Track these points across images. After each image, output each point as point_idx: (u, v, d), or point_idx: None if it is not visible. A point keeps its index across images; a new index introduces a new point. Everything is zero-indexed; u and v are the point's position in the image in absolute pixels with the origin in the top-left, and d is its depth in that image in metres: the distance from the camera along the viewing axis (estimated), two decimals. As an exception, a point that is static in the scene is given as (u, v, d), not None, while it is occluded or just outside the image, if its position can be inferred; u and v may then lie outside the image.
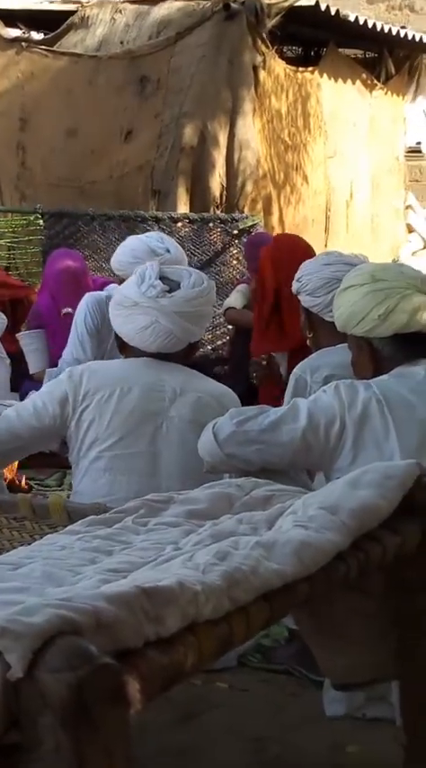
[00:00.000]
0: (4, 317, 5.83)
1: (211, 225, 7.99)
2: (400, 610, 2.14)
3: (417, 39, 11.56)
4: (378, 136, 11.80)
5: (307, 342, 3.78)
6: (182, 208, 8.99)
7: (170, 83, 9.40)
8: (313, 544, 1.83)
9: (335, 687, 2.46)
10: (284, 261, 5.07)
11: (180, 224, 8.05)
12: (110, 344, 4.82)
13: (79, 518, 2.28)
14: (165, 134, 9.35)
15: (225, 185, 9.22)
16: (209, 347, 7.64)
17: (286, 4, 9.36)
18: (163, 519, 2.17)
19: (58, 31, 10.23)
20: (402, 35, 11.30)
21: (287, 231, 9.51)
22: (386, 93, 11.83)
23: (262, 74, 9.43)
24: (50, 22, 10.38)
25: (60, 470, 5.20)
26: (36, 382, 5.52)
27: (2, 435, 3.15)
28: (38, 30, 10.90)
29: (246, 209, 8.98)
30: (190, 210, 8.87)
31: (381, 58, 11.79)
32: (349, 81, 11.12)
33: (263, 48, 9.35)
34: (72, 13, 10.31)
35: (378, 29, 10.68)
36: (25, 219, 8.50)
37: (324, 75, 10.65)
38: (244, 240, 7.59)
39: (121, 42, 9.88)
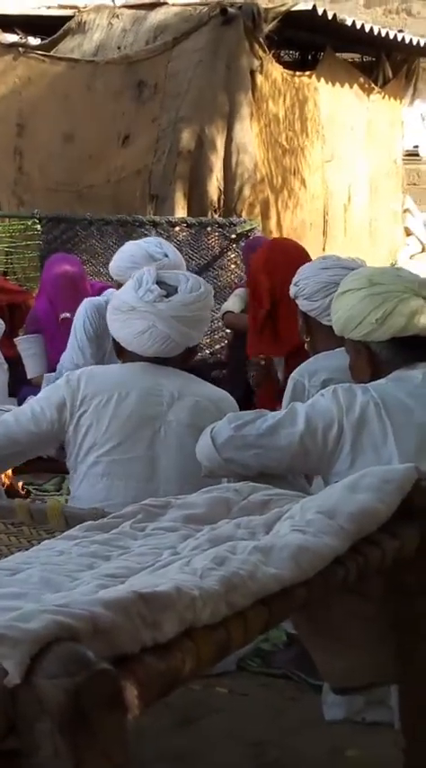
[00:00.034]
0: (2, 322, 5.83)
1: (209, 229, 8.00)
2: (399, 613, 2.14)
3: (414, 42, 11.57)
4: (376, 140, 11.81)
5: (305, 346, 3.78)
6: (180, 212, 9.00)
7: (167, 87, 9.41)
8: (311, 549, 1.83)
9: (334, 691, 2.46)
10: (278, 264, 5.07)
11: (177, 228, 8.05)
12: (108, 350, 4.82)
13: (77, 523, 2.28)
14: (163, 138, 9.36)
15: (222, 189, 9.23)
16: (208, 351, 7.64)
17: (283, 8, 9.38)
18: (160, 524, 2.17)
19: (55, 36, 10.25)
20: (399, 39, 11.31)
21: (285, 235, 9.51)
22: (383, 97, 11.84)
23: (260, 78, 9.44)
24: (47, 27, 10.39)
25: (58, 475, 5.20)
26: (34, 387, 5.52)
27: (0, 440, 3.14)
28: (35, 35, 10.91)
29: (244, 214, 8.99)
30: (188, 215, 8.88)
31: (378, 62, 11.80)
32: (346, 85, 11.13)
33: (260, 52, 9.36)
34: (69, 18, 10.32)
35: (375, 33, 10.69)
36: (23, 224, 8.51)
37: (322, 79, 10.66)
38: (242, 244, 7.59)
39: (118, 47, 9.89)
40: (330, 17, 9.73)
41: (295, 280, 3.70)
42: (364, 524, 1.97)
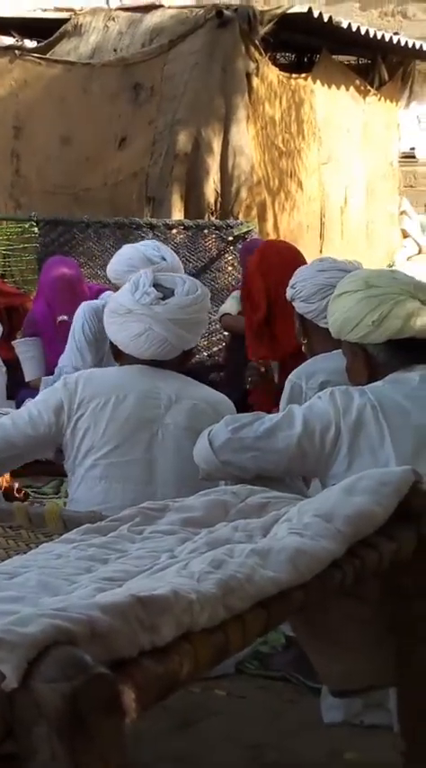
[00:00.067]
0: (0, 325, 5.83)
1: (206, 231, 8.00)
2: (396, 616, 2.14)
3: (410, 45, 11.58)
4: (372, 142, 11.82)
5: (302, 348, 3.78)
6: (177, 215, 9.00)
7: (163, 90, 9.41)
8: (308, 552, 1.83)
9: (333, 694, 2.46)
10: (273, 266, 5.08)
11: (175, 231, 8.05)
12: (106, 353, 4.83)
13: (75, 526, 2.28)
14: (159, 141, 9.36)
15: (219, 192, 9.24)
16: (205, 354, 7.64)
17: (278, 10, 9.40)
18: (158, 527, 2.17)
19: (52, 38, 10.25)
20: (395, 41, 11.33)
21: (282, 237, 9.52)
22: (379, 100, 11.85)
23: (256, 81, 9.44)
24: (43, 30, 10.39)
25: (57, 478, 5.19)
26: (32, 390, 5.52)
27: (-3, 444, 3.15)
28: (31, 38, 10.91)
29: (241, 216, 8.99)
30: (185, 217, 8.88)
31: (374, 64, 11.82)
32: (342, 87, 11.14)
33: (256, 55, 9.37)
34: (65, 21, 10.32)
35: (371, 35, 10.71)
36: (20, 227, 8.51)
37: (318, 81, 10.67)
38: (239, 247, 7.59)
39: (114, 50, 9.90)
40: (325, 20, 9.74)
41: (291, 282, 3.70)
42: (361, 527, 1.97)
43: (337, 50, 11.21)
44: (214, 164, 9.21)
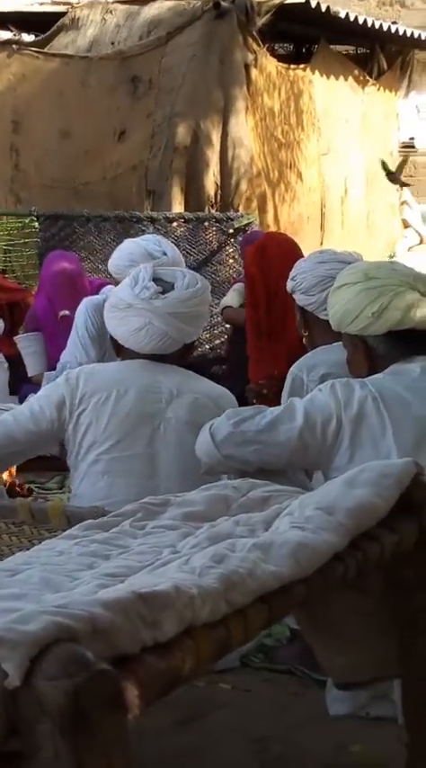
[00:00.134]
0: (1, 321, 5.83)
1: (207, 224, 8.00)
2: (398, 608, 2.14)
3: (408, 34, 11.56)
4: (372, 132, 11.81)
5: (303, 340, 3.78)
6: (177, 207, 9.00)
7: (161, 82, 9.40)
8: (309, 545, 1.83)
9: (337, 686, 2.46)
10: (273, 258, 5.07)
11: (175, 224, 8.05)
12: (108, 347, 4.83)
13: (78, 522, 2.28)
14: (158, 134, 9.35)
15: (219, 184, 9.23)
16: (207, 347, 7.64)
17: (276, 1, 9.37)
18: (160, 522, 2.17)
19: (49, 32, 10.24)
20: (393, 31, 11.30)
21: (282, 229, 9.51)
22: (378, 89, 11.83)
23: (254, 72, 9.43)
24: (41, 23, 10.38)
25: (61, 473, 5.20)
26: (35, 385, 5.52)
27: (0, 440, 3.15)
28: (29, 32, 10.90)
29: (241, 208, 8.99)
30: (185, 210, 8.88)
31: (373, 53, 11.80)
32: (341, 77, 11.12)
33: (254, 46, 9.36)
34: (62, 14, 10.31)
35: (369, 25, 10.68)
36: (20, 222, 8.50)
37: (316, 71, 10.66)
38: (240, 239, 7.59)
39: (112, 43, 9.89)
40: (323, 9, 9.72)
41: (292, 274, 3.70)
42: (362, 520, 1.97)
43: (335, 40, 11.19)
44: (213, 156, 9.20)
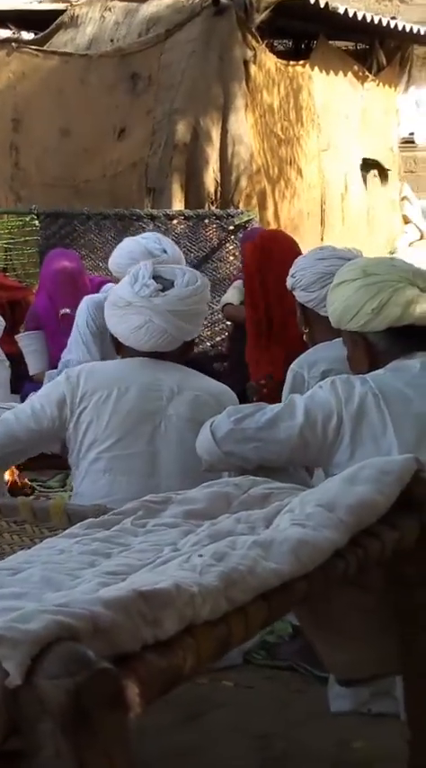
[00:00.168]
0: (2, 320, 5.82)
1: (207, 221, 8.00)
2: (399, 605, 2.14)
3: (407, 29, 11.56)
4: (371, 127, 11.80)
5: (304, 337, 3.78)
6: (177, 205, 9.00)
7: (161, 79, 9.41)
8: (310, 542, 1.83)
9: (339, 683, 2.46)
10: (274, 253, 5.06)
11: (175, 221, 8.05)
12: (108, 345, 4.84)
13: (79, 520, 2.28)
14: (158, 131, 9.36)
15: (219, 181, 9.23)
16: (208, 344, 7.64)
17: (274, -3, 9.37)
18: (161, 520, 2.17)
19: (48, 30, 10.25)
20: (392, 26, 11.30)
21: (282, 225, 9.52)
22: (378, 85, 11.83)
23: (253, 68, 9.44)
24: (40, 21, 10.39)
25: (62, 471, 5.20)
26: (36, 383, 5.52)
27: (1, 439, 3.15)
28: (28, 30, 10.91)
29: (241, 205, 8.99)
30: (185, 207, 8.88)
31: (372, 49, 11.79)
32: (340, 73, 11.12)
33: (253, 42, 9.36)
34: (61, 12, 10.32)
35: (369, 20, 10.68)
36: (21, 220, 8.50)
37: (316, 68, 10.66)
38: (240, 236, 7.59)
39: (111, 40, 9.90)
40: (322, 5, 9.72)
41: (291, 271, 3.70)
42: (363, 516, 1.96)
43: (334, 36, 11.19)
44: (213, 153, 9.20)
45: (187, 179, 9.23)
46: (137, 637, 1.49)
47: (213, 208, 8.93)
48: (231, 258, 7.86)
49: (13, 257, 8.58)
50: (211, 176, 9.22)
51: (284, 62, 10.27)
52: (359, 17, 10.49)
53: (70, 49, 10.04)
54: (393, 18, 11.82)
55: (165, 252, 4.19)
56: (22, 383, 5.91)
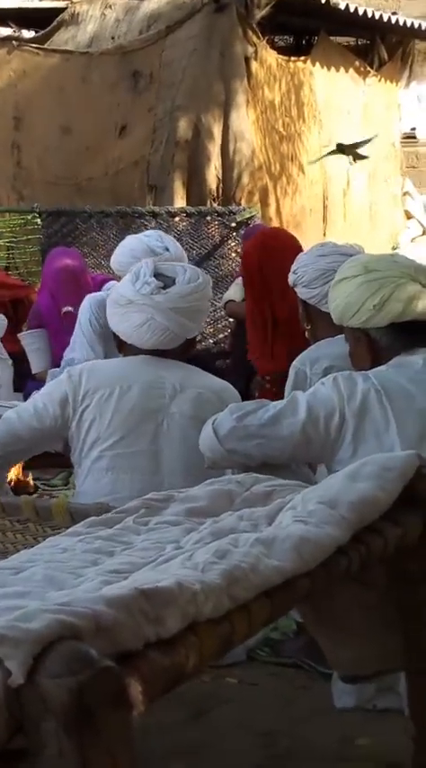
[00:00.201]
0: (4, 318, 5.83)
1: (209, 218, 7.99)
2: (402, 601, 2.14)
3: (408, 24, 11.54)
4: (373, 123, 11.78)
5: (306, 333, 3.78)
6: (179, 202, 9.00)
7: (162, 77, 9.40)
8: (312, 539, 1.83)
9: (343, 679, 2.47)
10: (275, 250, 5.06)
11: (177, 218, 8.05)
12: (112, 344, 4.85)
13: (82, 519, 2.28)
14: (160, 128, 9.35)
15: (221, 178, 9.23)
16: (211, 341, 7.64)
17: (275, -7, 9.37)
18: (163, 518, 2.17)
19: (49, 28, 10.25)
20: (393, 21, 11.28)
21: (284, 222, 9.52)
22: (379, 80, 11.82)
23: (254, 65, 9.43)
24: (41, 19, 10.40)
25: (65, 470, 5.20)
26: (39, 382, 5.52)
27: (3, 438, 3.16)
28: (29, 28, 10.91)
29: (243, 202, 8.99)
30: (187, 204, 8.88)
31: (373, 44, 11.78)
32: (342, 69, 11.11)
33: (254, 38, 9.35)
34: (62, 10, 10.32)
35: (369, 15, 10.66)
36: (23, 219, 8.51)
37: (317, 63, 10.65)
38: (242, 232, 7.58)
39: (112, 38, 9.89)
40: (323, 1, 9.71)
41: (293, 268, 3.70)
42: (365, 513, 1.96)
43: (335, 32, 11.18)
44: (215, 150, 9.20)
45: (189, 176, 9.23)
46: (140, 635, 1.49)
47: (215, 205, 8.93)
48: (233, 255, 7.85)
49: (16, 256, 8.59)
50: (213, 173, 9.22)
51: (285, 58, 10.26)
52: (360, 12, 10.47)
53: (71, 47, 10.03)
54: (394, 13, 11.81)
55: (167, 250, 4.19)
56: (25, 382, 5.91)
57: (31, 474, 4.93)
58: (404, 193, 12.94)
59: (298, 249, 4.77)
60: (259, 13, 9.24)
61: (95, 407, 3.11)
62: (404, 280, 2.80)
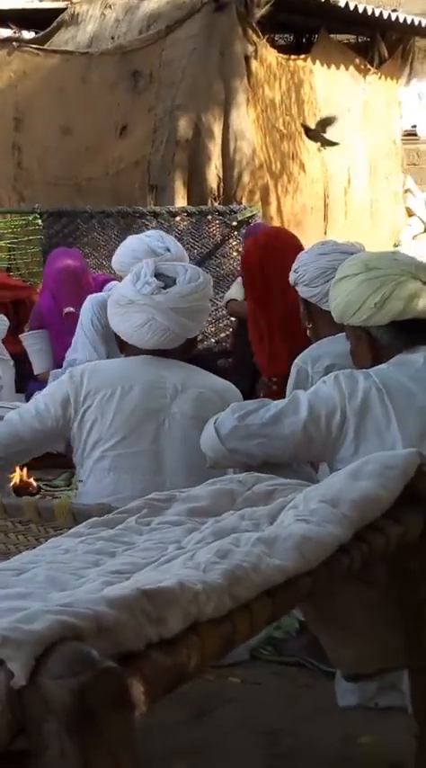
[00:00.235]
0: (6, 319, 5.84)
1: (210, 218, 7.99)
2: (403, 599, 2.14)
3: (409, 21, 11.54)
4: (374, 121, 11.79)
5: (307, 332, 3.78)
6: (180, 201, 9.00)
7: (162, 76, 9.40)
8: (314, 538, 1.83)
9: (346, 678, 2.47)
10: (276, 250, 5.06)
11: (178, 218, 8.05)
12: (114, 344, 4.85)
13: (85, 519, 2.28)
14: (160, 128, 9.35)
15: (221, 177, 9.23)
16: (213, 340, 7.64)
17: (274, -8, 9.37)
18: (165, 518, 2.17)
19: (49, 29, 10.26)
20: (393, 18, 11.28)
21: (286, 220, 9.52)
22: (379, 78, 11.81)
23: (254, 63, 9.43)
24: (41, 20, 10.40)
25: (68, 470, 5.20)
26: (41, 383, 5.53)
27: (5, 439, 3.16)
28: (29, 29, 10.92)
29: (244, 201, 8.99)
30: (188, 204, 8.88)
31: (373, 42, 11.78)
32: (342, 67, 11.11)
33: (254, 37, 9.35)
34: (62, 10, 10.32)
35: (369, 13, 10.66)
36: (24, 220, 8.51)
37: (317, 61, 10.65)
38: (244, 231, 7.58)
39: (112, 38, 9.89)
40: (322, -1, 9.71)
41: (294, 267, 3.70)
42: (367, 512, 1.96)
43: (335, 30, 11.17)
44: (215, 149, 9.20)
45: (189, 176, 9.23)
46: (142, 635, 1.49)
47: (216, 204, 8.93)
48: (234, 254, 7.85)
49: (17, 257, 8.59)
50: (213, 172, 9.22)
51: (285, 56, 10.26)
52: (360, 10, 10.47)
53: (71, 48, 10.04)
54: (394, 10, 11.81)
55: (168, 250, 4.19)
56: (27, 382, 5.91)
57: (33, 476, 4.94)
58: (405, 191, 12.94)
59: (300, 249, 4.78)
60: (259, 12, 9.25)
61: (97, 408, 3.11)
62: (405, 278, 2.80)
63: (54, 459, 4.70)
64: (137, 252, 4.24)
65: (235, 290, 6.58)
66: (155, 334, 3.14)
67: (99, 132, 9.60)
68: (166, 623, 1.54)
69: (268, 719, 2.85)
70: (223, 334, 7.62)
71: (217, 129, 9.23)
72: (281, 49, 10.71)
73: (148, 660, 1.48)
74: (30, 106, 10.02)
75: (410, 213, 13.07)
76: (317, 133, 9.80)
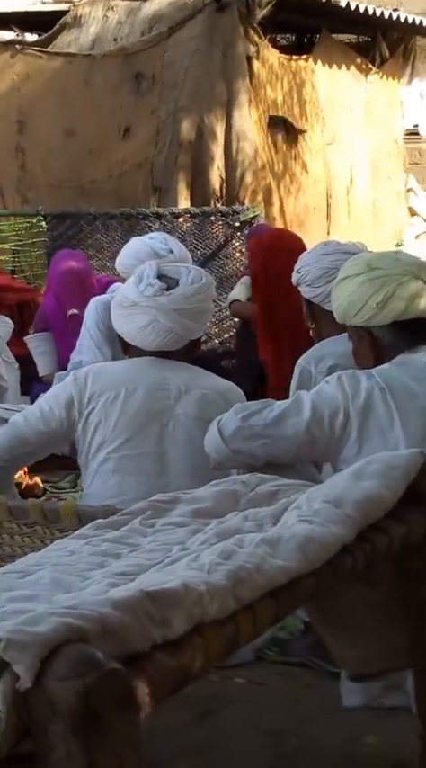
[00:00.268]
0: (11, 322, 5.84)
1: (213, 218, 7.99)
2: (407, 599, 2.15)
3: (410, 21, 11.53)
4: (376, 120, 11.79)
5: (310, 332, 3.79)
6: (183, 203, 9.00)
7: (165, 78, 9.41)
8: (317, 539, 1.84)
9: (350, 678, 2.47)
10: (279, 249, 5.07)
11: (181, 219, 8.05)
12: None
13: (90, 521, 2.28)
14: (163, 130, 9.36)
15: (224, 178, 9.23)
16: (217, 341, 7.64)
17: (276, -8, 9.37)
18: (169, 519, 2.17)
19: (52, 31, 10.27)
20: (394, 18, 11.28)
21: (288, 220, 9.52)
22: (381, 77, 11.81)
23: (256, 64, 9.43)
24: (44, 23, 10.41)
25: (73, 472, 5.21)
26: (46, 385, 5.54)
27: (11, 441, 3.16)
28: (31, 31, 10.93)
29: (247, 201, 8.99)
30: (191, 205, 8.88)
31: (375, 41, 11.78)
32: (343, 66, 11.11)
33: (256, 38, 9.36)
34: (64, 12, 10.33)
35: (371, 13, 10.66)
36: (28, 222, 8.52)
37: (319, 61, 10.65)
38: (246, 232, 7.59)
39: (115, 40, 9.91)
40: (324, -1, 9.72)
41: (296, 267, 3.70)
42: (370, 512, 1.97)
43: (337, 29, 11.17)
44: (218, 150, 9.21)
45: (192, 177, 9.24)
46: (146, 637, 1.50)
47: (219, 205, 8.93)
48: (237, 255, 7.85)
49: (21, 259, 8.60)
50: (216, 173, 9.23)
51: (287, 57, 10.26)
52: (362, 10, 10.47)
53: (74, 50, 10.05)
54: (395, 10, 11.80)
55: (172, 252, 4.20)
56: (32, 385, 5.92)
57: (37, 477, 4.95)
58: (408, 190, 12.94)
59: (303, 250, 4.79)
60: (260, 13, 9.25)
61: (101, 410, 3.12)
62: (407, 278, 2.80)
63: (59, 461, 4.71)
64: (140, 254, 4.25)
65: (239, 291, 6.58)
66: (159, 335, 3.14)
67: (102, 134, 9.61)
68: (171, 625, 1.54)
69: (272, 720, 2.84)
70: (226, 336, 7.62)
71: (220, 130, 9.24)
72: (283, 50, 10.71)
73: (153, 661, 1.49)
74: (33, 109, 10.03)
75: (412, 213, 13.06)
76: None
